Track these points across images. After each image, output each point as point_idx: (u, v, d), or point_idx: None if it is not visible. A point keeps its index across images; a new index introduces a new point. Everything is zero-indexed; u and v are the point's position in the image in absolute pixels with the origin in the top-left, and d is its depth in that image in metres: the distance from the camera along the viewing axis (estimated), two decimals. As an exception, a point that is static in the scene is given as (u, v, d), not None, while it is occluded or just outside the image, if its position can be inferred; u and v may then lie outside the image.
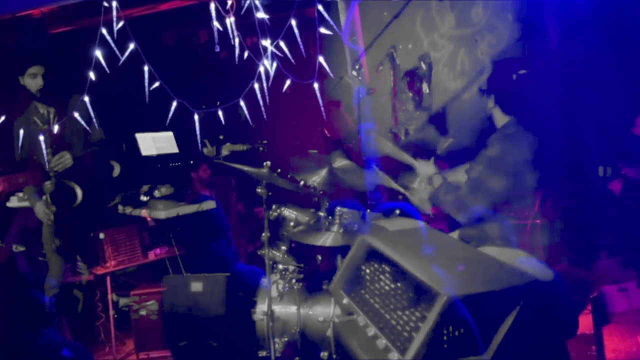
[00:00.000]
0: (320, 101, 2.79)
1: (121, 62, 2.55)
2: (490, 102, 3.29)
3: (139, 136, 4.44)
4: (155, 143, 4.51)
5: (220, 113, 2.89)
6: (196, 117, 2.80)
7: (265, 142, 5.25)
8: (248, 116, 2.86)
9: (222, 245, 4.80)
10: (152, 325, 4.15)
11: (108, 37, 2.51)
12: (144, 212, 4.61)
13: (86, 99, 4.11)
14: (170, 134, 4.59)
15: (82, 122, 2.78)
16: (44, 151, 2.92)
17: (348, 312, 2.61)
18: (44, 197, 3.91)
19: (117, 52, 2.55)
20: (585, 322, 3.70)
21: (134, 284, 4.45)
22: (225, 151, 5.12)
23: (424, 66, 4.55)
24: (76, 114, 2.70)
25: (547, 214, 3.99)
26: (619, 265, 4.33)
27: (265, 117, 2.86)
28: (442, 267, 2.25)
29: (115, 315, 4.09)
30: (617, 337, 3.93)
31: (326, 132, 4.86)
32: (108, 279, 4.30)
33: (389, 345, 2.21)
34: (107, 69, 2.66)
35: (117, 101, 4.69)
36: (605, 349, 3.61)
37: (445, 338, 2.02)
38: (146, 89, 2.61)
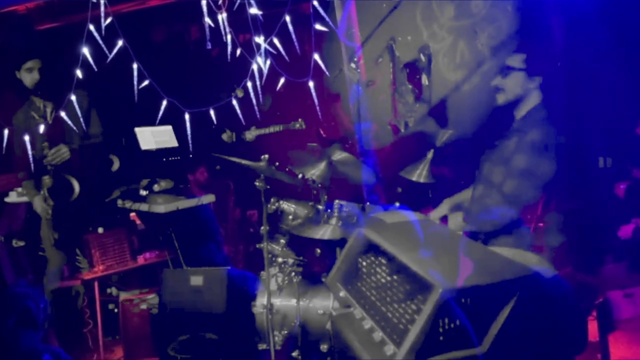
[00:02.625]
0: (315, 100, 2.72)
1: (109, 59, 2.51)
2: (532, 84, 3.18)
3: (138, 130, 4.43)
4: (154, 137, 4.49)
5: (212, 112, 2.84)
6: (187, 116, 2.75)
7: (301, 119, 5.04)
8: (241, 115, 2.81)
9: (212, 249, 4.73)
10: (143, 332, 4.09)
11: (96, 34, 2.46)
12: (132, 215, 4.57)
13: (85, 93, 4.16)
14: (169, 127, 4.58)
15: (69, 122, 2.73)
16: (27, 147, 2.85)
17: (345, 305, 2.60)
18: (42, 192, 3.93)
19: (106, 49, 2.50)
20: (590, 329, 3.54)
21: (123, 289, 4.36)
22: (249, 135, 5.00)
23: (423, 58, 4.53)
24: (63, 114, 2.66)
25: (550, 217, 3.95)
26: (625, 269, 4.18)
27: (258, 116, 2.82)
28: (439, 260, 2.24)
29: (116, 310, 4.09)
30: (623, 345, 3.75)
31: (322, 132, 4.82)
32: (96, 284, 4.21)
33: (385, 338, 2.20)
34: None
35: (116, 96, 4.68)
36: (611, 356, 3.54)
37: (440, 330, 2.02)
38: (135, 87, 2.57)
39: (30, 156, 2.68)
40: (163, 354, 3.73)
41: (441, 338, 2.03)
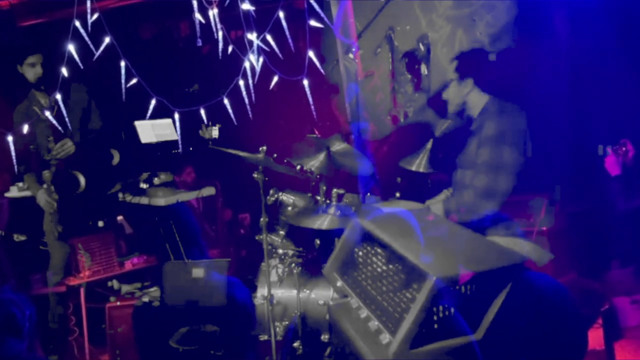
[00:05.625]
0: (310, 99, 2.67)
1: (96, 56, 2.47)
2: (466, 88, 3.33)
3: (138, 124, 4.43)
4: (154, 130, 4.49)
5: (202, 111, 2.80)
6: (177, 115, 2.72)
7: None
8: (233, 116, 2.77)
9: (195, 253, 4.68)
10: (130, 341, 4.04)
11: (82, 31, 2.42)
12: (120, 218, 4.55)
13: (85, 88, 4.17)
14: (169, 120, 4.57)
15: (54, 122, 2.71)
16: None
17: (343, 295, 2.61)
18: (44, 186, 3.94)
19: (92, 46, 2.45)
20: (595, 337, 3.56)
21: (109, 295, 4.28)
22: (215, 132, 5.03)
23: (422, 47, 4.52)
24: (47, 113, 2.64)
25: (554, 220, 3.90)
26: (632, 275, 4.03)
27: (250, 116, 2.77)
28: (434, 249, 2.25)
29: (118, 303, 4.10)
30: (629, 353, 3.69)
31: (317, 132, 4.79)
32: (82, 290, 4.12)
33: (381, 327, 2.21)
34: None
35: (115, 90, 4.67)
36: (617, 365, 3.46)
37: (435, 318, 2.03)
38: (123, 85, 2.53)
39: (13, 154, 2.64)
40: (164, 346, 3.75)
41: (436, 326, 2.03)
